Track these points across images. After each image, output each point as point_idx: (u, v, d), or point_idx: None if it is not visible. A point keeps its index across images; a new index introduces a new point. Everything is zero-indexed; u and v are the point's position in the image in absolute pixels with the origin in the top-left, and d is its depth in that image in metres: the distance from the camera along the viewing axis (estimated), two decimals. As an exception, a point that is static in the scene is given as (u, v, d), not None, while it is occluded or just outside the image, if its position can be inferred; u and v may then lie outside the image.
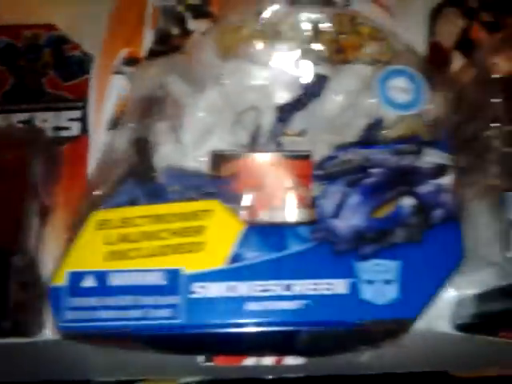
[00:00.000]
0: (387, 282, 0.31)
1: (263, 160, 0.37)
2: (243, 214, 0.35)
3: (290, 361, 0.39)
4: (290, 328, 0.30)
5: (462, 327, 0.38)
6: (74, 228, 0.31)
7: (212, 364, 0.39)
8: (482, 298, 0.36)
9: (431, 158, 0.33)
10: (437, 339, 0.39)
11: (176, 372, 0.43)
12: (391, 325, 0.31)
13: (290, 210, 0.36)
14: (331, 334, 0.32)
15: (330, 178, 0.33)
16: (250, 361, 0.40)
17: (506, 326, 0.36)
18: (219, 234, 0.31)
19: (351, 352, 0.37)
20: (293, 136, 0.39)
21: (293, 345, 0.34)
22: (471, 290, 0.38)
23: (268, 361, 0.40)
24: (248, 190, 0.36)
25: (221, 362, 0.40)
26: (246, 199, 0.36)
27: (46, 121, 0.43)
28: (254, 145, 0.39)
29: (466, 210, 0.36)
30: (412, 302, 0.30)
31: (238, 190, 0.36)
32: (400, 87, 0.35)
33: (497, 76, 0.36)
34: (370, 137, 0.37)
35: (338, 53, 0.40)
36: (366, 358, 0.38)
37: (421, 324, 0.38)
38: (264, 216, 0.36)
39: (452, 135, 0.38)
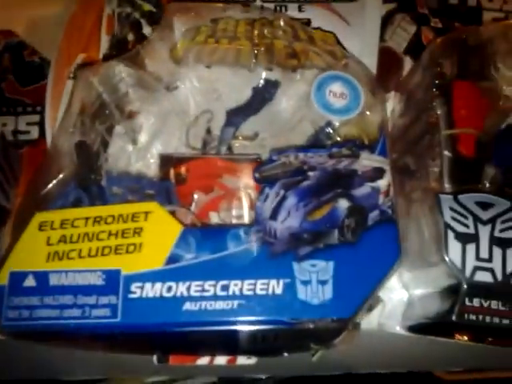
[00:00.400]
0: (322, 282, 0.31)
1: (213, 163, 0.38)
2: (192, 215, 0.36)
3: (243, 360, 0.40)
4: (227, 327, 0.31)
5: (411, 328, 0.38)
6: (18, 228, 0.32)
7: (167, 364, 0.40)
8: (428, 298, 0.37)
9: (368, 161, 0.33)
10: (388, 340, 0.40)
11: (132, 371, 0.44)
12: (326, 324, 0.31)
13: (240, 212, 0.36)
14: (273, 333, 0.33)
15: (268, 181, 0.34)
16: (203, 360, 0.40)
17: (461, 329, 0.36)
18: (157, 236, 0.32)
19: (299, 352, 0.38)
20: (244, 140, 0.40)
21: (237, 344, 0.34)
22: (420, 291, 0.39)
23: (221, 360, 0.40)
24: (198, 192, 0.37)
25: (175, 361, 0.40)
26: (196, 201, 0.37)
27: (6, 125, 0.44)
28: (205, 148, 0.40)
29: (410, 211, 0.37)
30: (346, 302, 0.31)
31: (188, 191, 0.37)
32: (336, 92, 0.36)
33: (437, 81, 0.37)
34: (318, 140, 0.38)
35: (291, 58, 0.41)
36: (316, 358, 0.39)
37: (371, 325, 0.39)
38: (213, 217, 0.37)
39: (397, 138, 0.39)
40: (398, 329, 0.39)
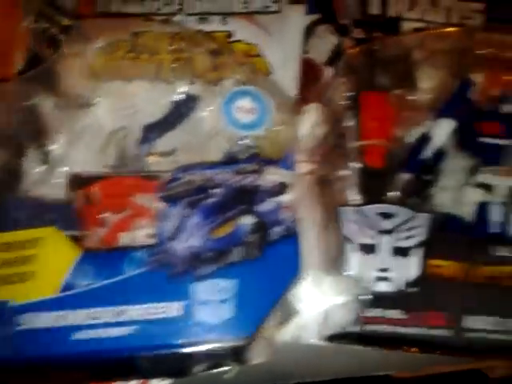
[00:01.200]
0: (223, 301, 0.30)
1: (125, 181, 0.37)
2: (99, 238, 0.35)
3: (155, 382, 0.39)
4: (122, 355, 0.30)
5: (330, 338, 0.37)
6: None
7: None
8: (342, 308, 0.36)
9: (272, 176, 0.33)
10: (304, 351, 0.39)
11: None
12: (228, 343, 0.30)
13: (150, 231, 0.35)
14: (173, 356, 0.32)
15: (171, 200, 0.33)
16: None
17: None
18: (52, 262, 0.31)
19: (212, 369, 0.37)
20: (158, 156, 0.39)
21: (141, 368, 0.33)
22: (336, 300, 0.38)
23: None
24: (108, 212, 0.36)
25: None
26: (106, 221, 0.36)
27: None
28: (120, 165, 0.39)
29: (315, 224, 0.36)
30: (247, 320, 0.30)
31: (99, 211, 0.36)
32: (245, 108, 0.35)
33: (350, 92, 0.36)
34: (231, 156, 0.37)
35: (211, 71, 0.40)
36: (231, 375, 0.37)
37: (287, 336, 0.37)
38: (124, 239, 0.36)
39: (317, 148, 0.38)
40: (313, 340, 0.38)
